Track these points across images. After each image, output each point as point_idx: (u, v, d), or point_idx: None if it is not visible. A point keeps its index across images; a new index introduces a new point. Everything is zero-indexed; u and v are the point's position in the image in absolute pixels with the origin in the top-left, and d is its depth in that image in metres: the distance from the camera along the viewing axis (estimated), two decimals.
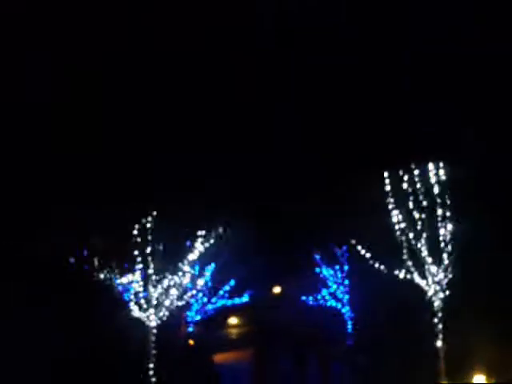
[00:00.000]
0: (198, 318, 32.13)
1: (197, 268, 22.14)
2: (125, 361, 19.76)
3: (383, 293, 25.10)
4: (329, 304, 33.54)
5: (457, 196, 19.48)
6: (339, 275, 32.31)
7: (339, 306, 32.80)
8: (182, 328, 31.39)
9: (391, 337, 24.68)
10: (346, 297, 32.30)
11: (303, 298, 36.64)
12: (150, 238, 19.17)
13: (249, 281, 38.80)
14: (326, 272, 33.07)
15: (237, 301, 38.27)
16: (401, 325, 23.61)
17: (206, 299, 32.24)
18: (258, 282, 41.53)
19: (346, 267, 31.95)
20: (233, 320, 44.07)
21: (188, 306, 29.35)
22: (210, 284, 31.51)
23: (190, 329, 31.51)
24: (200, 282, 21.74)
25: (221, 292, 34.30)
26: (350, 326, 32.24)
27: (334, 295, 33.02)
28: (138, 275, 19.14)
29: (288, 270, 39.38)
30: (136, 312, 19.09)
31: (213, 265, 31.30)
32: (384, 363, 25.29)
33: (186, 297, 21.35)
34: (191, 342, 30.99)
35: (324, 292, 33.84)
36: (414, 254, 20.14)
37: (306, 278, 35.50)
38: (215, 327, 39.73)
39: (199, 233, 19.44)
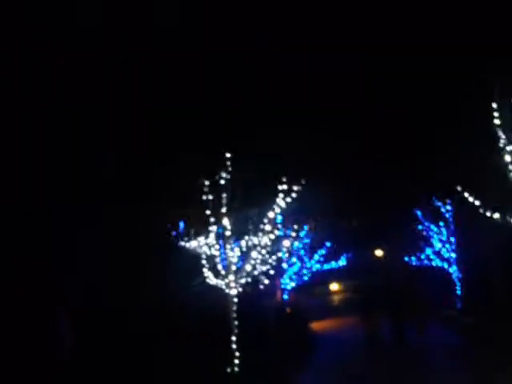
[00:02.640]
0: (293, 284, 29.61)
1: (281, 230, 19.41)
2: (202, 332, 17.31)
3: (496, 247, 21.60)
4: (434, 264, 30.46)
5: None
6: (444, 232, 28.95)
7: (445, 265, 29.53)
8: (277, 296, 28.97)
9: (506, 297, 21.22)
10: (453, 255, 28.92)
11: (406, 258, 33.72)
12: (224, 194, 16.45)
13: (346, 242, 36.17)
14: (430, 229, 29.88)
15: (334, 265, 35.60)
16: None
17: (299, 264, 29.65)
18: (356, 243, 38.80)
19: (451, 223, 28.54)
20: (332, 286, 41.65)
21: (280, 271, 26.85)
22: (301, 246, 28.87)
23: (285, 296, 29.04)
24: (286, 244, 18.95)
25: (315, 256, 31.64)
26: (458, 288, 28.92)
27: (439, 254, 29.79)
28: (212, 237, 16.51)
29: (388, 229, 36.52)
30: (213, 279, 16.46)
31: (304, 226, 28.87)
32: (497, 325, 21.89)
33: (271, 260, 18.46)
34: (288, 310, 28.49)
35: (428, 251, 30.77)
36: None
37: (407, 236, 32.59)
38: (312, 294, 37.33)
39: (280, 187, 16.54)
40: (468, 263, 27.42)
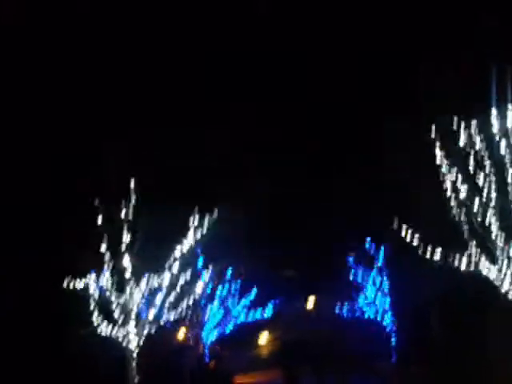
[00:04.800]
0: (213, 337, 26.46)
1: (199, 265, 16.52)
2: None
3: (435, 292, 19.17)
4: (367, 315, 28.02)
5: None
6: (378, 279, 26.67)
7: (379, 316, 27.13)
8: (197, 349, 25.81)
9: (451, 354, 18.67)
10: (387, 304, 26.56)
11: (337, 309, 31.13)
12: (124, 227, 13.59)
13: (273, 290, 33.44)
14: (363, 277, 27.54)
15: (259, 315, 32.77)
16: (465, 336, 17.56)
17: (222, 311, 26.59)
18: (285, 291, 36.17)
19: (384, 268, 26.29)
20: (260, 338, 38.62)
21: (198, 320, 23.72)
22: (225, 292, 25.87)
23: (206, 350, 25.88)
24: (199, 286, 16.06)
25: (242, 302, 28.68)
26: (393, 340, 26.50)
27: (372, 304, 27.38)
28: (107, 277, 13.52)
29: (319, 278, 34.03)
30: (105, 328, 13.37)
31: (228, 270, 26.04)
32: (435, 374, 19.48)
33: (183, 306, 15.48)
34: (211, 364, 25.41)
35: (361, 301, 28.32)
36: (480, 235, 14.24)
37: (340, 286, 30.09)
38: (237, 347, 34.17)
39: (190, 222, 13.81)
40: (403, 311, 25.01)
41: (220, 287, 25.65)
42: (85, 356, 14.33)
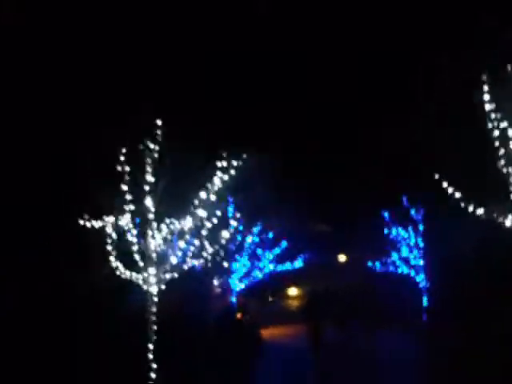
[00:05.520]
0: (241, 286, 25.84)
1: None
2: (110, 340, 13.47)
3: (475, 253, 18.12)
4: (400, 271, 27.19)
5: None
6: (413, 237, 25.74)
7: (413, 273, 26.28)
8: (224, 299, 25.29)
9: (483, 316, 17.72)
10: (421, 262, 25.68)
11: (369, 263, 30.32)
12: (148, 167, 12.81)
13: (302, 242, 32.57)
14: (397, 233, 26.65)
15: (288, 266, 31.97)
16: (499, 300, 16.60)
17: (249, 263, 25.92)
18: (318, 245, 35.29)
19: (420, 226, 25.29)
20: (289, 290, 37.98)
21: (225, 269, 23.06)
22: (252, 240, 25.09)
23: (233, 299, 25.34)
24: (225, 235, 15.24)
25: (269, 255, 27.99)
26: (425, 298, 25.68)
27: (406, 260, 26.52)
28: (128, 218, 12.78)
29: (353, 233, 33.25)
30: (125, 272, 12.72)
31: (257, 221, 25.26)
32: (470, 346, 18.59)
33: (207, 253, 14.73)
34: (238, 315, 24.89)
35: (395, 257, 27.46)
36: None
37: (373, 241, 29.28)
38: (263, 298, 33.60)
39: (219, 164, 12.95)
40: (438, 270, 24.07)
41: (250, 236, 24.94)
42: (102, 298, 13.72)
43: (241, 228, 23.40)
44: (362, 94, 20.34)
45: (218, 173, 12.93)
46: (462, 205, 13.81)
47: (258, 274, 27.20)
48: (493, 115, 12.72)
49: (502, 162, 13.11)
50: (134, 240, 12.79)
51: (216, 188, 12.95)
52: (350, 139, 24.11)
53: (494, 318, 17.98)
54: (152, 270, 12.97)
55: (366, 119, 21.87)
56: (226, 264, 22.37)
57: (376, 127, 21.37)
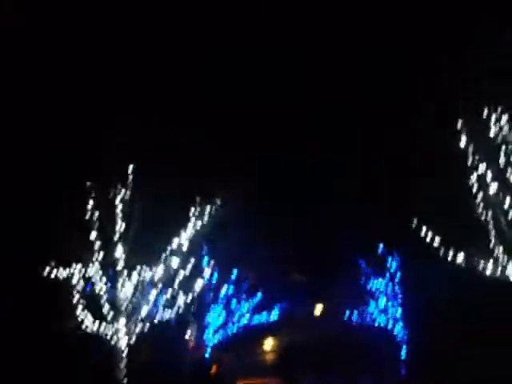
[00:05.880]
0: (216, 338, 25.06)
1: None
2: None
3: (456, 298, 17.67)
4: (377, 323, 26.65)
5: None
6: (390, 286, 25.37)
7: (390, 324, 25.77)
8: (198, 352, 24.47)
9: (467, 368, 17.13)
10: (399, 312, 25.22)
11: (346, 314, 29.72)
12: (119, 214, 12.30)
13: (278, 292, 32.14)
14: (374, 282, 26.21)
15: (264, 317, 31.49)
16: (485, 352, 16.06)
17: (224, 314, 25.22)
18: (293, 295, 34.92)
19: (398, 274, 24.93)
20: (262, 342, 37.23)
21: (199, 320, 22.34)
22: (227, 291, 24.49)
23: (206, 354, 24.52)
24: (199, 284, 14.62)
25: (244, 308, 27.35)
26: (403, 351, 25.13)
27: (383, 311, 26.03)
28: (96, 268, 12.18)
29: (330, 283, 32.77)
30: (91, 324, 12.05)
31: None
32: None
33: (180, 302, 14.10)
34: (213, 369, 24.11)
35: (372, 307, 26.94)
36: (510, 237, 12.80)
37: (350, 291, 28.76)
38: (240, 351, 32.83)
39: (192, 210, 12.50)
40: (416, 321, 23.59)
41: (225, 287, 24.32)
42: (66, 354, 12.93)
43: (215, 277, 22.81)
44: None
45: (192, 219, 12.52)
46: (442, 250, 13.50)
47: (233, 326, 26.47)
48: (470, 159, 12.56)
49: (481, 206, 12.91)
50: (104, 290, 12.21)
51: (189, 235, 12.51)
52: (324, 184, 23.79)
53: (473, 369, 17.58)
54: (122, 322, 12.38)
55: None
56: (200, 315, 21.68)
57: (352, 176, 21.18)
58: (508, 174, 12.42)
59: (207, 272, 20.18)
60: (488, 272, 13.16)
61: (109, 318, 12.20)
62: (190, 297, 14.41)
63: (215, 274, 22.71)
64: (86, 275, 12.06)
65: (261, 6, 18.09)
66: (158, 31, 17.01)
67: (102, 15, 16.30)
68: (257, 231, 23.77)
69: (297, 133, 21.62)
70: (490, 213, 13.00)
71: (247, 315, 27.76)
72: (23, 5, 15.06)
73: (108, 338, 12.12)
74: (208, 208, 12.39)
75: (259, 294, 28.11)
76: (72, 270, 11.94)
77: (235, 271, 24.86)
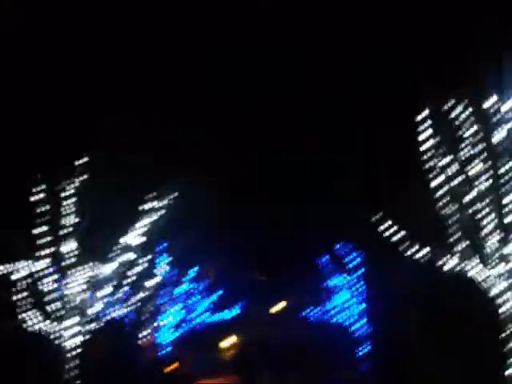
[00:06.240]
0: (171, 337, 24.46)
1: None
2: None
3: (418, 299, 17.32)
4: (338, 320, 26.41)
5: None
6: (352, 282, 25.14)
7: (351, 323, 25.56)
8: (151, 351, 23.82)
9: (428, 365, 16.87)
10: (361, 308, 25.02)
11: (307, 311, 29.42)
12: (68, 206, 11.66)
13: (239, 289, 31.77)
14: (336, 279, 25.95)
15: (225, 315, 31.13)
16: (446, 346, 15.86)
17: (182, 312, 24.65)
18: (252, 291, 34.64)
19: (361, 270, 24.72)
20: (221, 340, 36.84)
21: (153, 318, 21.69)
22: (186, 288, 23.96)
23: (162, 352, 23.86)
24: (154, 282, 14.04)
25: (204, 303, 26.90)
26: (365, 347, 24.95)
27: (344, 308, 25.78)
28: (44, 264, 11.52)
29: (289, 280, 32.49)
30: (36, 323, 11.39)
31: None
32: None
33: (133, 302, 13.53)
34: (170, 367, 23.58)
35: (333, 304, 26.66)
36: (472, 232, 12.49)
37: (311, 288, 28.49)
38: (199, 349, 32.37)
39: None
40: (378, 318, 23.37)
41: (184, 285, 23.81)
42: (8, 353, 12.24)
43: (173, 274, 22.27)
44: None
45: (148, 214, 11.96)
46: (405, 246, 13.15)
47: (193, 324, 25.96)
48: (434, 153, 12.24)
49: (445, 200, 12.59)
50: (51, 287, 11.56)
51: (145, 230, 11.94)
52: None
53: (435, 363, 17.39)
54: (71, 320, 11.74)
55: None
56: (156, 313, 21.09)
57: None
58: (471, 169, 12.07)
59: (165, 268, 19.63)
60: (449, 267, 12.83)
61: (57, 315, 11.49)
62: (144, 294, 13.80)
63: (174, 271, 22.19)
64: (34, 271, 11.38)
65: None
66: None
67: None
68: (218, 228, 23.31)
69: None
70: (453, 207, 12.63)
71: (207, 313, 27.31)
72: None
73: (55, 336, 11.41)
74: (164, 202, 11.77)
75: (219, 292, 27.73)
76: (16, 266, 11.28)
77: (195, 268, 24.34)
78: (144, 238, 12.11)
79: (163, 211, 11.83)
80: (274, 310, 38.71)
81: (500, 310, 12.48)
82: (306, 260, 27.60)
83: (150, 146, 15.06)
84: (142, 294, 13.51)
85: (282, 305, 38.98)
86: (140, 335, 19.81)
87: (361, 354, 24.64)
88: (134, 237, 11.68)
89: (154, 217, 11.81)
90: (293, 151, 21.51)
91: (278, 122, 20.48)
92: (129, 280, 12.42)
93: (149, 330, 21.35)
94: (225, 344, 36.48)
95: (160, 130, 16.04)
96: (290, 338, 26.67)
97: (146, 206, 11.84)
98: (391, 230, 13.47)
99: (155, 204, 11.76)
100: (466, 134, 12.41)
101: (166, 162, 14.75)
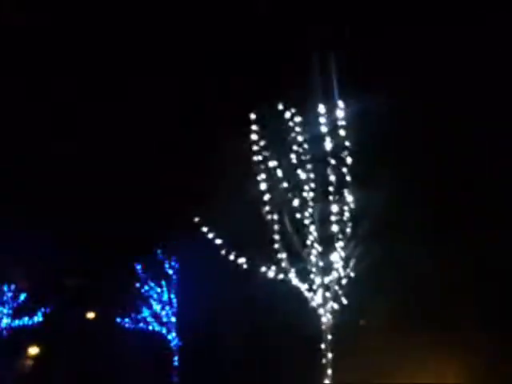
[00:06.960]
0: None
1: None
2: None
3: (235, 306, 16.65)
4: (151, 328, 25.45)
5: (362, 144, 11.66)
6: (166, 292, 24.44)
7: (164, 330, 24.77)
8: None
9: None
10: (173, 319, 24.34)
11: (119, 319, 28.17)
12: None
13: (46, 295, 30.13)
14: (149, 287, 25.03)
15: (27, 321, 29.29)
16: (263, 361, 15.38)
17: None
18: (61, 297, 33.01)
19: (174, 279, 24.07)
20: (24, 348, 34.67)
21: None
22: None
23: None
24: None
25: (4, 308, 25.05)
26: (176, 358, 24.33)
27: (157, 317, 24.92)
28: None
29: (102, 286, 31.11)
30: None
31: None
32: None
33: None
34: None
35: (146, 312, 25.67)
36: (294, 240, 12.07)
37: (124, 295, 27.34)
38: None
39: None
40: (191, 327, 22.70)
41: None
42: None
43: None
44: None
45: None
46: (223, 252, 12.40)
47: None
48: (259, 157, 11.65)
49: (267, 208, 12.02)
50: None
51: None
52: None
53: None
54: None
55: None
56: None
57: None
58: (295, 176, 11.63)
59: None
60: (271, 275, 12.24)
61: None
62: None
63: None
64: None
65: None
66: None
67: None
68: (25, 232, 21.74)
69: None
70: (275, 216, 12.09)
71: (8, 318, 25.45)
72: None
73: None
74: None
75: (23, 296, 25.94)
76: None
77: None
78: None
79: None
80: (84, 317, 37.01)
81: (318, 323, 12.08)
82: (120, 267, 26.55)
83: None
84: None
85: (92, 312, 37.35)
86: None
87: (173, 363, 24.05)
88: None
89: None
90: None
91: None
92: None
93: None
94: (29, 352, 34.30)
95: None
96: (100, 346, 25.61)
97: None
98: (209, 239, 12.62)
99: None
100: (292, 141, 11.95)
101: None
